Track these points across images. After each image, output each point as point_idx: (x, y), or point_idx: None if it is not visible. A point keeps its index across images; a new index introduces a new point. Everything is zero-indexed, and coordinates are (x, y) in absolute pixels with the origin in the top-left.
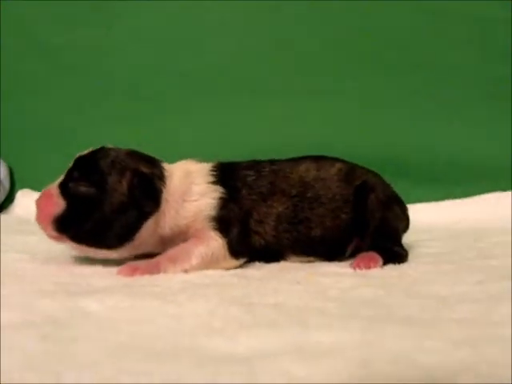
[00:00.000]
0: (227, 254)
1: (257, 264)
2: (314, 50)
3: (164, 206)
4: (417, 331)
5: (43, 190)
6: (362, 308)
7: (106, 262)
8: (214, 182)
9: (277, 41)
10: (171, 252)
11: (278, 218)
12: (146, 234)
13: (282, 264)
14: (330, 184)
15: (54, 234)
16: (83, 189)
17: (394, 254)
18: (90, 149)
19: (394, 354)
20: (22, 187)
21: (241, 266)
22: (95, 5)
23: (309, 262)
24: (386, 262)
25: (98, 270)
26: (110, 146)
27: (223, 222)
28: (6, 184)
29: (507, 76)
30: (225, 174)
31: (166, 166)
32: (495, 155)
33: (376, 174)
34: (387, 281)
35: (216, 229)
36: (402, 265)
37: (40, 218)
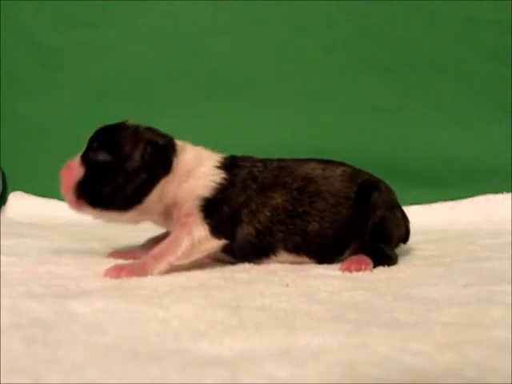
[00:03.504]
0: (208, 235)
1: (245, 266)
2: (313, 51)
3: (172, 174)
4: (404, 334)
5: (68, 162)
6: (350, 311)
7: (95, 265)
8: (218, 167)
9: (275, 42)
10: (155, 251)
11: (275, 209)
12: (154, 198)
13: (271, 266)
14: (334, 181)
15: (74, 199)
16: (100, 157)
17: (385, 256)
18: (113, 124)
19: (380, 356)
20: (14, 189)
21: (229, 269)
22: (94, 6)
23: (300, 262)
24: (376, 265)
25: (88, 272)
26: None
27: (212, 204)
28: None
29: (504, 78)
30: (232, 163)
31: (180, 142)
32: (487, 158)
33: (381, 180)
34: (376, 284)
35: (202, 210)
36: (391, 267)
37: (63, 187)
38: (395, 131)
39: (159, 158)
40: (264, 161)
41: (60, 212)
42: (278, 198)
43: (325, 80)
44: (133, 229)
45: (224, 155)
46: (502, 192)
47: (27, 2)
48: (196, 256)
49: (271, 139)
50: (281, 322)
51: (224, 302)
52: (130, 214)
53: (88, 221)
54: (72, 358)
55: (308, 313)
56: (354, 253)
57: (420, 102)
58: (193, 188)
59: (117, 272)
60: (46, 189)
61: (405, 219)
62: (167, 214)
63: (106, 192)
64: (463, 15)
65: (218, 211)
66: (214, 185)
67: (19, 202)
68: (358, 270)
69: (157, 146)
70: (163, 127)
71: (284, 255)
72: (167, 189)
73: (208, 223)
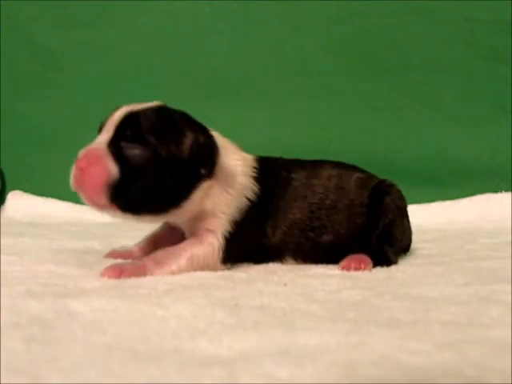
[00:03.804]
0: (218, 261)
1: (244, 266)
2: (312, 51)
3: (214, 178)
4: (402, 333)
5: (87, 149)
6: (348, 310)
7: (95, 264)
8: (255, 178)
9: (275, 42)
10: (158, 255)
11: (293, 223)
12: (193, 203)
13: (270, 266)
14: (349, 191)
15: (107, 202)
16: (139, 151)
17: (386, 258)
18: (139, 105)
19: (379, 356)
20: (13, 189)
21: (228, 268)
22: (94, 6)
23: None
24: (375, 265)
25: (87, 271)
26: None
27: (238, 228)
28: None
29: (503, 78)
30: (264, 172)
31: (217, 135)
32: (486, 157)
33: (396, 185)
34: (375, 283)
35: (226, 231)
36: (390, 267)
37: (89, 187)
38: (394, 131)
39: (206, 155)
40: (290, 168)
41: (59, 211)
42: (296, 214)
43: (324, 80)
44: (132, 228)
45: (255, 158)
46: (501, 191)
47: (27, 1)
48: (194, 271)
49: (270, 139)
50: (279, 322)
51: (223, 301)
52: (163, 217)
53: (87, 220)
54: (71, 358)
55: (306, 312)
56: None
57: (419, 102)
58: (227, 204)
59: (115, 272)
60: (45, 188)
61: (410, 229)
62: (191, 221)
63: (147, 196)
64: (462, 15)
65: (240, 237)
66: (247, 203)
67: (18, 202)
68: (358, 268)
69: (206, 139)
70: None
71: (290, 262)
72: (207, 194)
73: (224, 250)
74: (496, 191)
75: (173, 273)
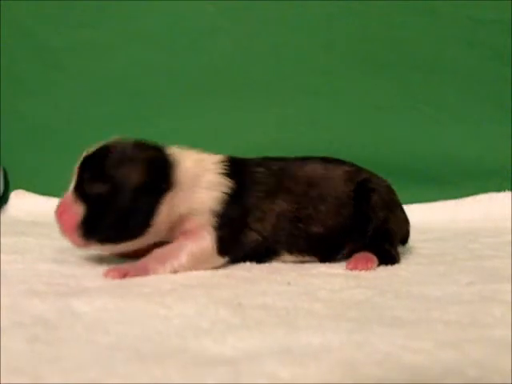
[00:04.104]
0: (215, 252)
1: (247, 265)
2: (314, 50)
3: (176, 187)
4: (405, 332)
5: (60, 201)
6: (351, 309)
7: (97, 263)
8: (224, 174)
9: (276, 41)
10: (157, 254)
11: (280, 215)
12: (163, 216)
13: (273, 265)
14: (336, 183)
15: (82, 241)
16: (97, 188)
17: (390, 256)
18: (94, 146)
19: (382, 355)
20: (16, 188)
21: (231, 267)
22: (95, 6)
23: (301, 261)
24: (380, 263)
25: (90, 270)
26: (114, 138)
27: (222, 219)
28: (0, 185)
29: (505, 77)
30: (235, 168)
31: (175, 149)
32: (489, 156)
33: (382, 178)
34: (378, 282)
35: (213, 225)
36: (393, 266)
37: (65, 231)
38: (397, 130)
39: (158, 173)
40: (265, 163)
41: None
42: (282, 205)
43: (326, 79)
44: None
45: (222, 157)
46: (504, 190)
47: (27, 1)
48: (196, 268)
49: (272, 138)
50: (282, 321)
51: (226, 300)
52: (141, 240)
53: None
54: (74, 357)
55: (309, 311)
56: (356, 250)
57: (422, 101)
58: (203, 200)
59: (119, 274)
60: (47, 187)
61: (405, 220)
62: (171, 229)
63: (114, 225)
64: (465, 14)
65: (228, 227)
66: (224, 196)
67: (21, 201)
68: (365, 268)
69: (152, 162)
70: (163, 127)
71: (286, 256)
72: (174, 203)
73: (217, 241)
74: (499, 190)
75: (175, 270)
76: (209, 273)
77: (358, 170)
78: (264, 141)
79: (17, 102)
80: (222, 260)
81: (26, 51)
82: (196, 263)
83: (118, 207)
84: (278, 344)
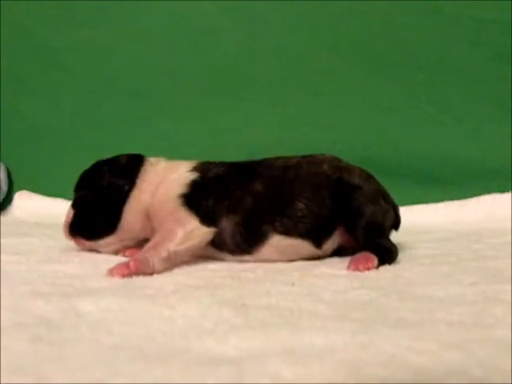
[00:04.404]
0: (199, 224)
1: (251, 266)
2: (314, 51)
3: (143, 184)
4: (409, 333)
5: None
6: (355, 310)
7: (101, 264)
8: (190, 170)
9: (279, 41)
10: (150, 243)
11: (257, 195)
12: (132, 211)
13: (277, 265)
14: (314, 165)
15: (71, 238)
16: (79, 195)
17: (385, 249)
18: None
19: (386, 356)
20: (20, 189)
21: (234, 268)
22: (94, 6)
23: (293, 246)
24: (380, 260)
25: (93, 271)
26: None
27: (192, 198)
28: (4, 185)
29: (506, 77)
30: (204, 165)
31: (154, 158)
32: (493, 157)
33: (363, 170)
34: (382, 282)
35: (185, 205)
36: (397, 266)
37: (62, 231)
38: (400, 130)
39: (121, 173)
40: (239, 162)
41: (66, 211)
42: (257, 187)
43: (329, 79)
44: None
45: (196, 162)
46: (508, 191)
47: (27, 1)
48: (191, 243)
49: (275, 138)
50: (286, 321)
51: (230, 300)
52: (120, 236)
53: None
54: (78, 357)
55: (313, 312)
56: (349, 246)
57: (425, 101)
58: (168, 190)
59: (122, 270)
60: (51, 188)
61: (392, 205)
62: (148, 223)
63: (90, 222)
64: (468, 15)
65: (200, 203)
66: (188, 182)
67: (25, 202)
68: (366, 268)
69: (114, 164)
70: (164, 127)
71: (276, 238)
72: (141, 198)
73: (195, 214)
74: (503, 191)
75: (170, 251)
76: (212, 273)
77: (338, 160)
78: (267, 141)
79: (17, 102)
80: (209, 230)
81: (26, 51)
82: (186, 240)
83: (92, 208)
84: (282, 344)
